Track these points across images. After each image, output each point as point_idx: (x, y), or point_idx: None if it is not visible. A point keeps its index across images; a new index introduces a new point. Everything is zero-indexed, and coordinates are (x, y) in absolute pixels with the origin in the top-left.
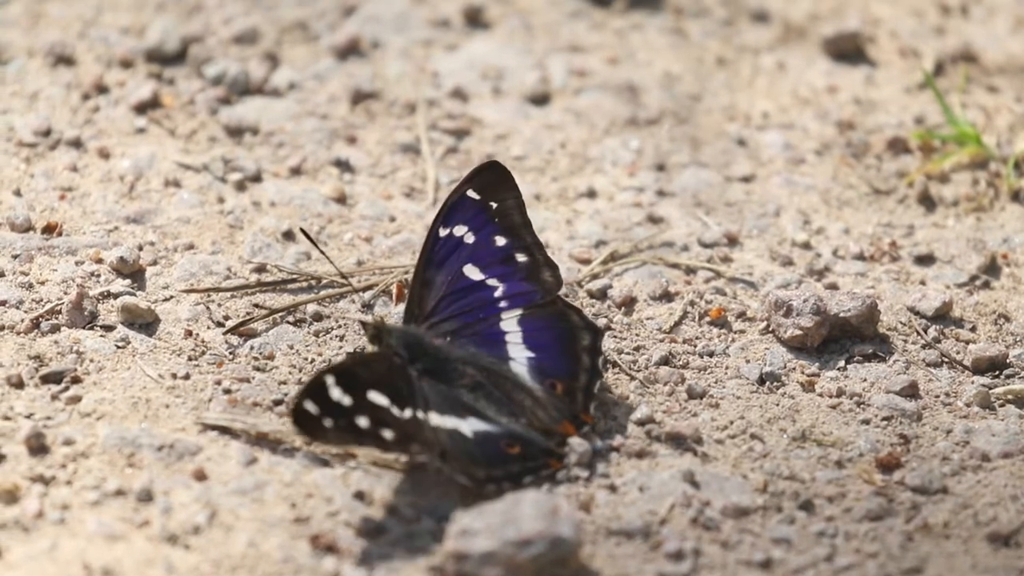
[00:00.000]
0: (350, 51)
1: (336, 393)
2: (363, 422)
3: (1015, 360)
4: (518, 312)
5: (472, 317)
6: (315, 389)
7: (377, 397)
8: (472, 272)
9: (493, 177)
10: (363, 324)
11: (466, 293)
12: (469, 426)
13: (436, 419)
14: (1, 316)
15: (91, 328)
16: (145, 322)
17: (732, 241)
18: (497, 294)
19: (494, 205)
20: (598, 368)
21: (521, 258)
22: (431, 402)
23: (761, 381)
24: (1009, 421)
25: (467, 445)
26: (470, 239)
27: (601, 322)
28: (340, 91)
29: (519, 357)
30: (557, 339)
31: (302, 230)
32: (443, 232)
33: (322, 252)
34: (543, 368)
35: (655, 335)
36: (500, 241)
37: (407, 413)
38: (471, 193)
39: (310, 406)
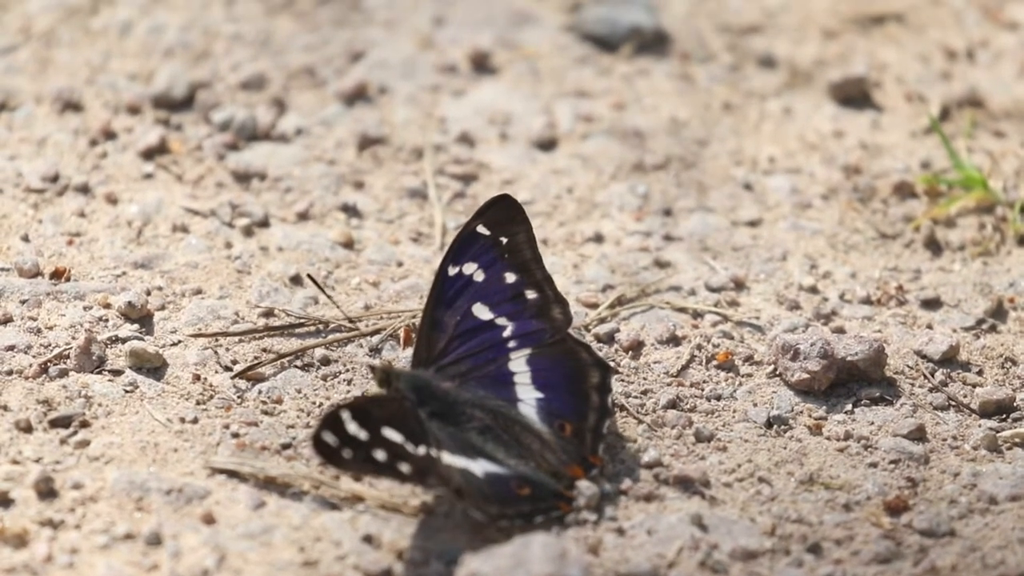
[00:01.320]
0: (357, 97)
1: (352, 427)
2: (380, 455)
3: (1022, 403)
4: (527, 352)
5: (481, 359)
6: (332, 422)
7: (391, 434)
8: (481, 311)
9: (504, 212)
10: (371, 368)
11: (475, 334)
12: (480, 467)
13: (448, 458)
14: (10, 361)
15: (99, 373)
16: (153, 367)
17: (739, 285)
18: (506, 334)
19: (504, 240)
20: (607, 406)
21: (531, 295)
22: (443, 442)
23: (768, 425)
24: (1016, 464)
25: (479, 484)
26: (479, 277)
27: None
28: (347, 136)
29: (528, 398)
30: (566, 378)
31: (309, 275)
32: (452, 271)
33: (329, 297)
34: (551, 409)
35: (662, 379)
36: (510, 278)
37: (421, 450)
38: (481, 229)
39: (328, 437)
